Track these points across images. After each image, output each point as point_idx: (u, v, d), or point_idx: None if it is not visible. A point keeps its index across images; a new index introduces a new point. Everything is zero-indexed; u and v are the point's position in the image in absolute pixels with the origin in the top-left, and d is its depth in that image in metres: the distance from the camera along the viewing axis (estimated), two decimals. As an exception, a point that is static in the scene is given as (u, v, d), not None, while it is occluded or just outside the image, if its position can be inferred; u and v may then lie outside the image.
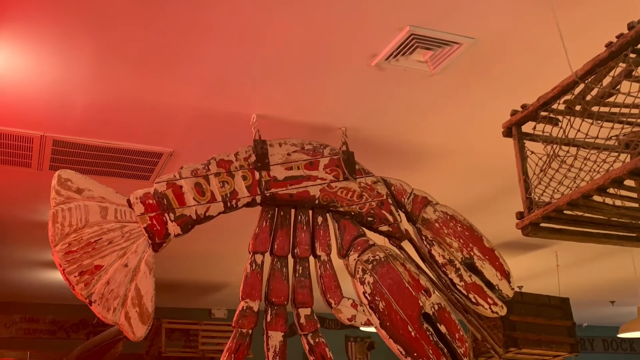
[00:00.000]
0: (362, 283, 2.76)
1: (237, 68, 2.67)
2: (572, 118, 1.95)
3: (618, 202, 1.96)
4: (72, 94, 2.84)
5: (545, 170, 2.02)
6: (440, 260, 2.89)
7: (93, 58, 2.58)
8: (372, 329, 2.84)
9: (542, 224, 2.05)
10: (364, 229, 2.88)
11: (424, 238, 2.92)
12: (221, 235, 4.61)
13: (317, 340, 2.73)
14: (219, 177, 2.65)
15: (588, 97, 1.93)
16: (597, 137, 1.86)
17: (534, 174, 2.05)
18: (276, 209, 2.76)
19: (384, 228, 2.90)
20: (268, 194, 2.72)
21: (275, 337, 2.68)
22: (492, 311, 2.87)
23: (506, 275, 2.93)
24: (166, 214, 2.55)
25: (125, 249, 2.45)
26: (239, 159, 2.72)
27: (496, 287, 2.89)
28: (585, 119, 1.92)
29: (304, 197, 2.78)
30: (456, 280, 2.88)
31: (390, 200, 2.92)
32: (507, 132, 2.18)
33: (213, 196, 2.63)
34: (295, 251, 2.76)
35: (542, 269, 6.23)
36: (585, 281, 6.87)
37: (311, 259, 2.81)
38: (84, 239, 2.40)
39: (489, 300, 2.88)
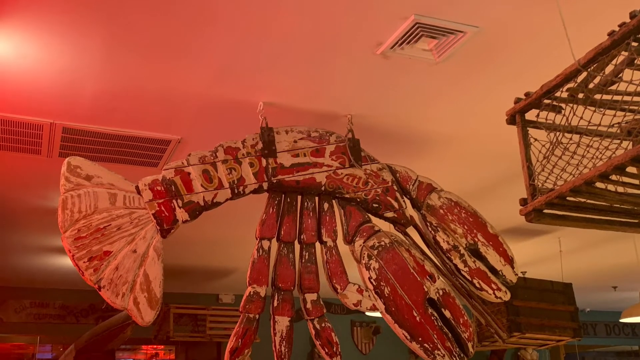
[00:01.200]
0: (368, 269, 2.79)
1: (244, 56, 2.69)
2: (574, 106, 1.96)
3: (620, 189, 1.98)
4: (82, 82, 2.86)
5: (548, 157, 2.04)
6: (444, 246, 2.92)
7: (102, 46, 2.60)
8: (377, 314, 2.86)
9: (546, 210, 2.07)
10: (370, 215, 2.91)
11: (428, 224, 2.94)
12: (228, 222, 4.66)
13: (323, 325, 2.76)
14: (226, 164, 2.68)
15: (591, 85, 1.94)
16: (599, 125, 1.87)
17: (537, 161, 2.07)
18: (283, 195, 2.79)
19: (390, 214, 2.92)
20: (275, 181, 2.74)
21: (282, 322, 2.72)
22: (496, 296, 2.90)
23: (510, 260, 2.96)
24: (174, 201, 2.57)
25: (133, 235, 2.48)
26: (246, 146, 2.74)
27: (500, 273, 2.91)
28: (588, 107, 1.93)
29: (310, 184, 2.80)
30: (460, 265, 2.91)
31: (395, 187, 2.94)
32: (511, 120, 2.19)
33: (220, 183, 2.66)
34: (302, 237, 2.78)
35: (546, 255, 6.26)
36: (587, 267, 6.91)
37: (317, 245, 2.84)
38: (93, 225, 2.43)
39: (492, 285, 2.90)
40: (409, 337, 2.76)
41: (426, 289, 2.82)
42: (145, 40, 2.57)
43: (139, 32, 2.51)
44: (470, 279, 2.90)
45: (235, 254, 5.89)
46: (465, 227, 2.97)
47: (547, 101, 2.04)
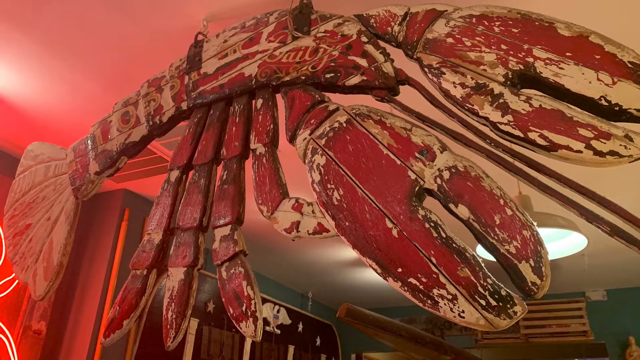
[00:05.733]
0: (311, 170, 1.56)
1: None
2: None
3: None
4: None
5: None
6: (457, 93, 1.43)
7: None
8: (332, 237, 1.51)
9: None
10: (327, 94, 1.69)
11: (426, 70, 1.52)
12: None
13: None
14: (146, 98, 2.03)
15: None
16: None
17: None
18: (209, 109, 1.90)
19: (355, 80, 1.62)
20: (194, 95, 1.91)
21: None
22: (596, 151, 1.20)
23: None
24: (90, 154, 2.05)
25: (53, 201, 2.04)
26: (171, 70, 2.04)
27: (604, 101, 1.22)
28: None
29: (236, 82, 1.84)
30: (495, 116, 1.35)
31: (363, 39, 1.67)
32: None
33: (138, 120, 2.01)
34: (222, 152, 1.79)
35: None
36: None
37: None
38: (26, 202, 2.12)
39: (579, 132, 1.23)
40: (380, 270, 1.34)
41: (414, 176, 1.38)
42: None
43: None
44: (523, 136, 1.30)
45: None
46: (504, 46, 1.42)
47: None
